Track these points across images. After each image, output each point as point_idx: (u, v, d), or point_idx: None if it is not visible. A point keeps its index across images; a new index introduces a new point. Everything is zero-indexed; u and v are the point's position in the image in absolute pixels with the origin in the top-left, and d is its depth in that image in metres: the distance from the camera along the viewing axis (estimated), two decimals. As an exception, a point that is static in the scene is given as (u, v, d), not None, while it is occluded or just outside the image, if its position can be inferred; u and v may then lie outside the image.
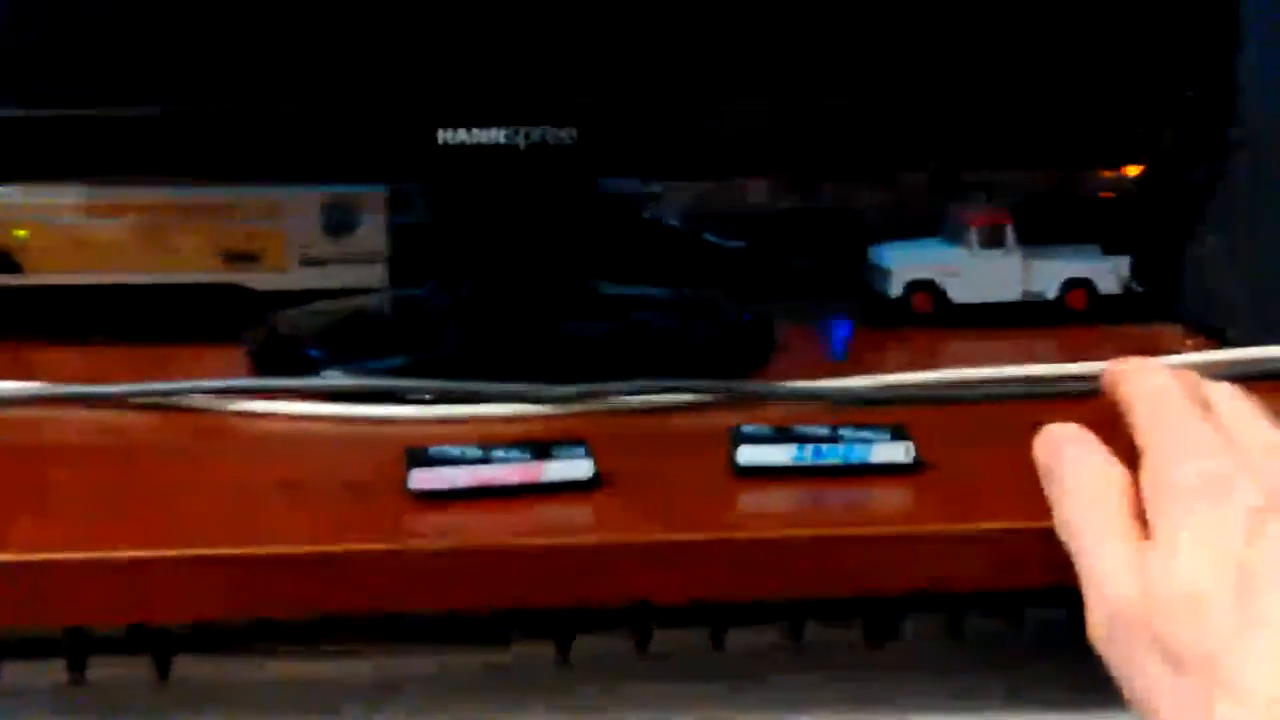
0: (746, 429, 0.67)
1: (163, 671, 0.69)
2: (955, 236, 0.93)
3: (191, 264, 0.90)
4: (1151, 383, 0.60)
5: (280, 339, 0.84)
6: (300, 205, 0.91)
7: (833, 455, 0.66)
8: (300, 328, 0.86)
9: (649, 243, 1.02)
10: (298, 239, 0.91)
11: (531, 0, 0.79)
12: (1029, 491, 0.59)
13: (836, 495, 0.65)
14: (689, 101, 0.82)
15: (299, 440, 0.72)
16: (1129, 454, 0.58)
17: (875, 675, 0.72)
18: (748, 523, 0.63)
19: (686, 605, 0.73)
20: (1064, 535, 0.56)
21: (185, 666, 0.70)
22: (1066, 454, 0.58)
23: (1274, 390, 0.75)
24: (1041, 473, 0.59)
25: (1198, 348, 0.83)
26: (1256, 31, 0.83)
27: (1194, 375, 0.61)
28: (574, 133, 0.80)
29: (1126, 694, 0.52)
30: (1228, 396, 0.60)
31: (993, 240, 0.92)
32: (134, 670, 0.70)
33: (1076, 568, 0.55)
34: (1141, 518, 0.54)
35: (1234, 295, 0.86)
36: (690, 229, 1.04)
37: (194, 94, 0.79)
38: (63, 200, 0.89)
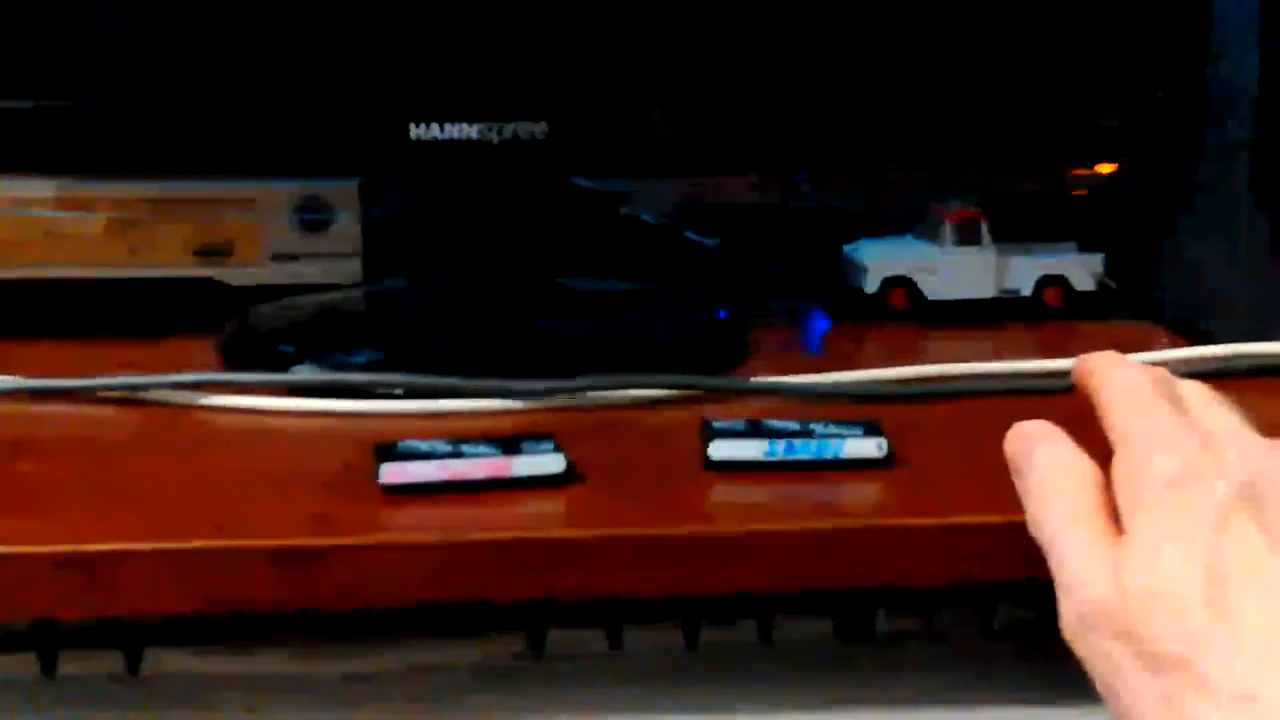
0: (718, 423, 0.67)
1: (133, 666, 0.69)
2: (931, 233, 0.93)
3: (164, 258, 0.89)
4: (1123, 377, 0.60)
5: (252, 334, 0.84)
6: (274, 200, 0.90)
7: (805, 450, 0.66)
8: (272, 323, 0.85)
9: (624, 239, 1.02)
10: (271, 234, 0.90)
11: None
12: (1001, 486, 0.59)
13: (808, 490, 0.65)
14: (662, 99, 0.82)
15: (270, 435, 0.72)
16: (1101, 450, 0.57)
17: (847, 671, 0.72)
18: (719, 517, 0.63)
19: (659, 600, 0.73)
20: (1035, 532, 0.56)
21: (155, 661, 0.70)
22: (1037, 451, 0.58)
23: (1247, 387, 0.76)
24: (1013, 470, 0.59)
25: (1172, 344, 0.83)
26: (1228, 34, 0.84)
27: (1164, 371, 0.61)
28: (546, 128, 0.80)
29: (1099, 690, 0.52)
30: (1198, 392, 0.60)
31: (968, 237, 0.92)
32: (104, 664, 0.69)
33: (1048, 564, 0.55)
34: (1113, 513, 0.54)
35: (1208, 293, 0.86)
36: (666, 226, 1.04)
37: (167, 89, 0.79)
38: (35, 193, 0.88)
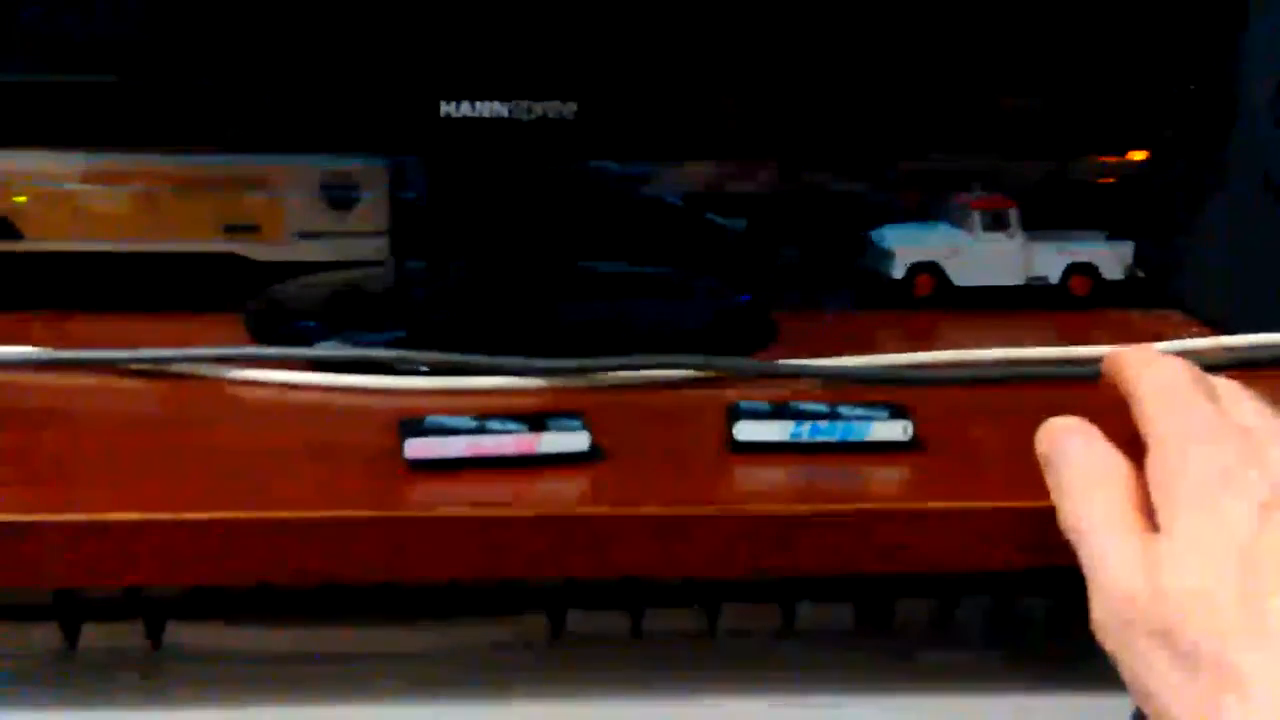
0: (744, 404, 0.67)
1: (155, 637, 0.69)
2: (959, 220, 0.92)
3: (191, 233, 0.90)
4: (1158, 372, 0.59)
5: (279, 309, 0.84)
6: (301, 177, 0.90)
7: (830, 432, 0.66)
8: (299, 299, 0.86)
9: (648, 222, 1.02)
10: (298, 211, 0.90)
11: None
12: (1026, 472, 0.59)
13: (833, 472, 0.65)
14: (691, 81, 0.82)
15: (295, 409, 0.72)
16: (1131, 442, 0.57)
17: (867, 657, 0.72)
18: (744, 498, 0.63)
19: (680, 583, 0.73)
20: (1067, 528, 0.56)
21: (177, 632, 0.70)
22: (1070, 447, 0.58)
23: (1275, 378, 0.75)
24: (1044, 466, 0.59)
25: (1200, 334, 0.83)
26: (1260, 26, 0.83)
27: (1196, 367, 0.60)
28: (574, 108, 0.80)
29: (1131, 689, 0.51)
30: (1233, 389, 0.59)
31: (996, 224, 0.91)
32: (126, 636, 0.70)
33: (1080, 560, 0.54)
34: (1146, 509, 0.54)
35: (1236, 282, 0.85)
36: (689, 209, 1.04)
37: (196, 64, 0.79)
38: (63, 167, 0.88)
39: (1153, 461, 0.55)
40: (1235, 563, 0.50)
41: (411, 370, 0.74)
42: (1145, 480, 0.55)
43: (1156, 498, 0.54)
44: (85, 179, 0.88)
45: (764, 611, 0.73)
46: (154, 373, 0.74)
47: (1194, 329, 0.86)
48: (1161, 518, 0.53)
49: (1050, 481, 0.58)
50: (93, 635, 0.70)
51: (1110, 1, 0.83)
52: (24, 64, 0.79)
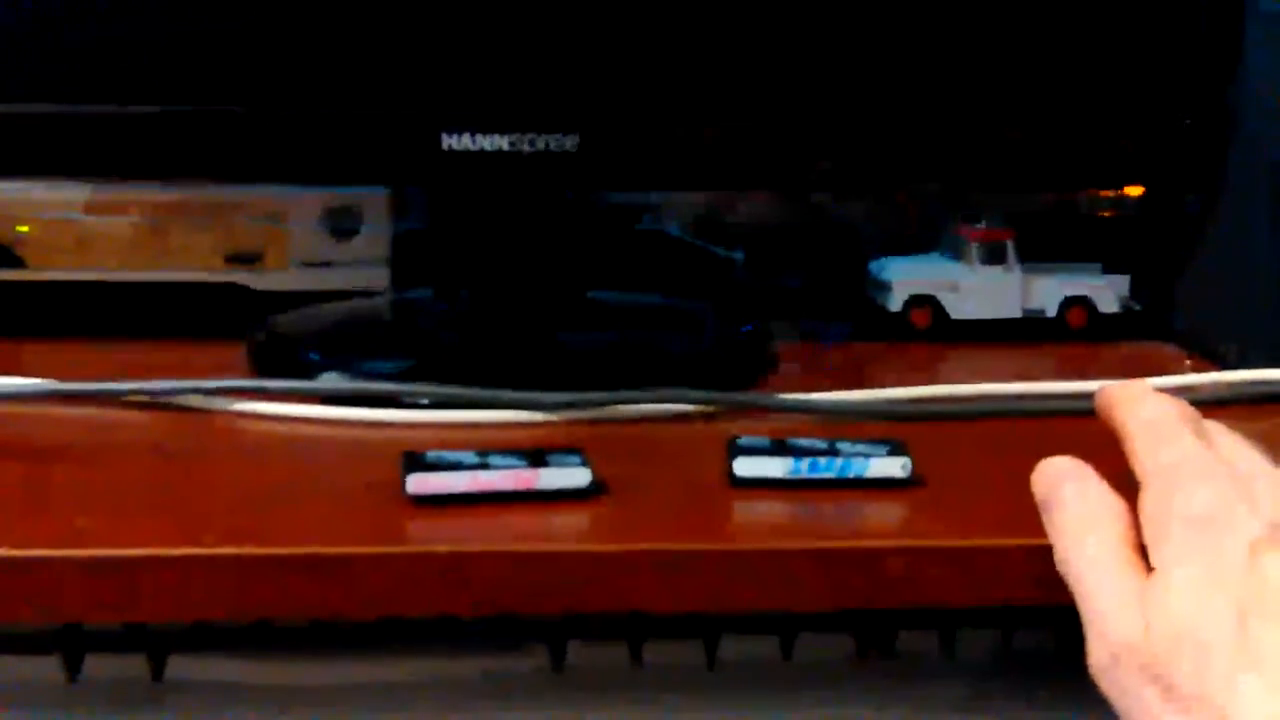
0: (743, 440, 0.67)
1: (157, 671, 0.70)
2: (956, 252, 0.93)
3: (193, 262, 0.90)
4: (1148, 409, 0.60)
5: (281, 340, 0.84)
6: (303, 207, 0.91)
7: (829, 469, 0.66)
8: (301, 329, 0.86)
9: (648, 253, 1.02)
10: (300, 241, 0.91)
11: (538, 8, 0.80)
12: (1024, 510, 0.60)
13: (832, 509, 0.65)
14: (692, 113, 0.82)
15: (297, 442, 0.72)
16: (1126, 479, 0.57)
17: (867, 690, 0.72)
18: (743, 534, 0.63)
19: (680, 616, 0.73)
20: (1064, 570, 0.56)
21: (180, 666, 0.70)
22: (1066, 488, 0.58)
23: (1270, 414, 0.76)
24: (1041, 507, 0.59)
25: (1195, 369, 0.84)
26: (1256, 62, 0.84)
27: (1187, 404, 0.61)
28: (576, 140, 0.80)
29: None
30: (1222, 430, 0.59)
31: (993, 257, 0.92)
32: (129, 669, 0.70)
33: (1077, 602, 0.54)
34: (1141, 549, 0.54)
35: (1232, 317, 0.86)
36: (689, 240, 1.04)
37: (199, 94, 0.79)
38: (66, 196, 0.89)
39: (1144, 500, 0.55)
40: (1226, 602, 0.50)
41: (414, 404, 0.74)
42: (1139, 518, 0.55)
43: (1148, 536, 0.54)
44: (88, 209, 0.89)
45: (764, 643, 0.73)
46: (158, 405, 0.75)
47: (1189, 363, 0.86)
48: (1153, 557, 0.53)
49: (1046, 522, 0.58)
50: (95, 667, 0.70)
51: (1108, 36, 0.83)
52: (27, 94, 0.79)
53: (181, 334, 0.86)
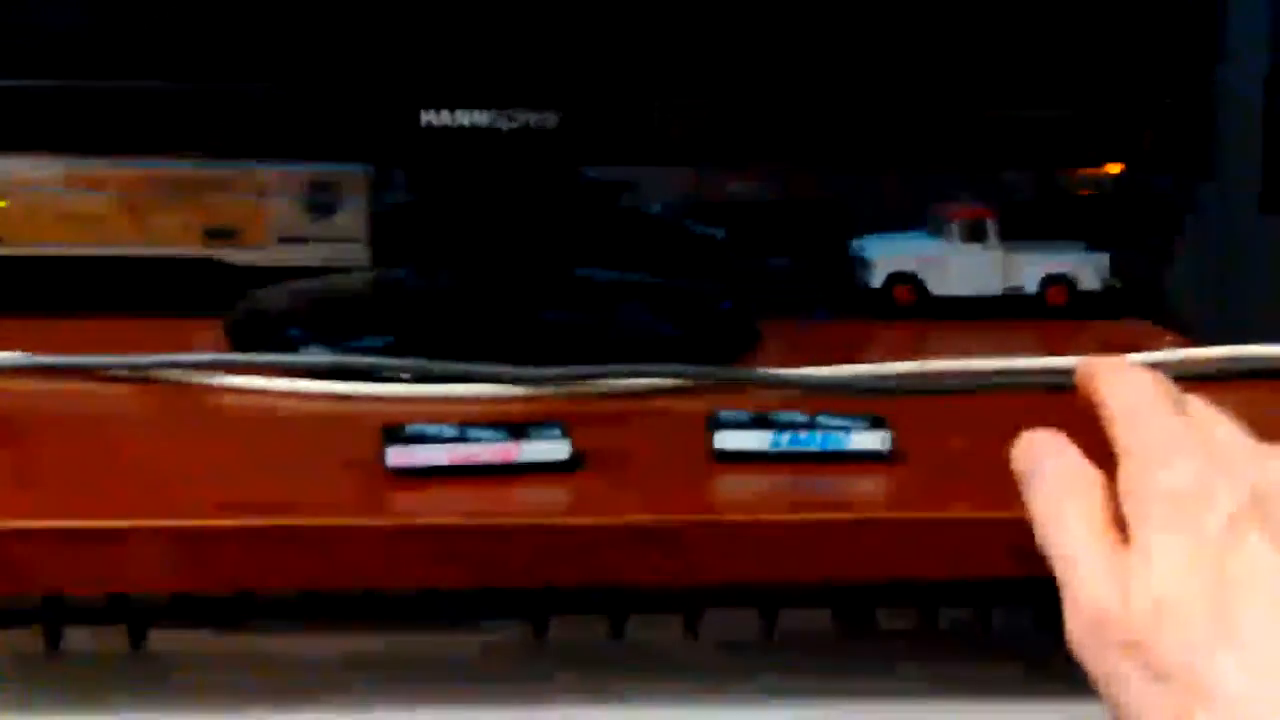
0: (724, 414, 0.67)
1: (137, 643, 0.69)
2: (937, 230, 0.93)
3: (171, 238, 0.90)
4: (1127, 384, 0.59)
5: (260, 315, 0.84)
6: (282, 183, 0.91)
7: (809, 442, 0.66)
8: (280, 305, 0.86)
9: (629, 230, 1.02)
10: (279, 217, 0.91)
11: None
12: (1003, 483, 0.59)
13: (812, 481, 0.65)
14: (673, 91, 0.82)
15: (277, 416, 0.72)
16: (1105, 453, 0.58)
17: (847, 664, 0.72)
18: (723, 507, 0.63)
19: (661, 589, 0.73)
20: (1042, 541, 0.56)
21: (160, 638, 0.70)
22: (1045, 462, 0.58)
23: (1249, 389, 0.76)
24: (1019, 480, 0.58)
25: (1175, 345, 0.84)
26: (1238, 36, 0.84)
27: (1166, 379, 0.61)
28: (556, 117, 0.80)
29: (1105, 700, 0.52)
30: (1201, 404, 0.59)
31: (975, 234, 0.92)
32: (109, 641, 0.70)
33: (1055, 575, 0.54)
34: (1120, 522, 0.54)
35: (1212, 294, 0.86)
36: (671, 218, 1.04)
37: (178, 70, 0.79)
38: (44, 172, 0.88)
39: (1122, 474, 0.55)
40: (1205, 574, 0.50)
41: (393, 378, 0.74)
42: (1118, 492, 0.55)
43: (1127, 510, 0.54)
44: (66, 183, 0.89)
45: (745, 618, 0.73)
46: (137, 378, 0.74)
47: (1169, 339, 0.86)
48: (1132, 530, 0.53)
49: (1025, 496, 0.58)
50: (75, 639, 0.70)
51: (1089, 15, 0.83)
52: (5, 69, 0.79)
53: (161, 309, 0.86)
